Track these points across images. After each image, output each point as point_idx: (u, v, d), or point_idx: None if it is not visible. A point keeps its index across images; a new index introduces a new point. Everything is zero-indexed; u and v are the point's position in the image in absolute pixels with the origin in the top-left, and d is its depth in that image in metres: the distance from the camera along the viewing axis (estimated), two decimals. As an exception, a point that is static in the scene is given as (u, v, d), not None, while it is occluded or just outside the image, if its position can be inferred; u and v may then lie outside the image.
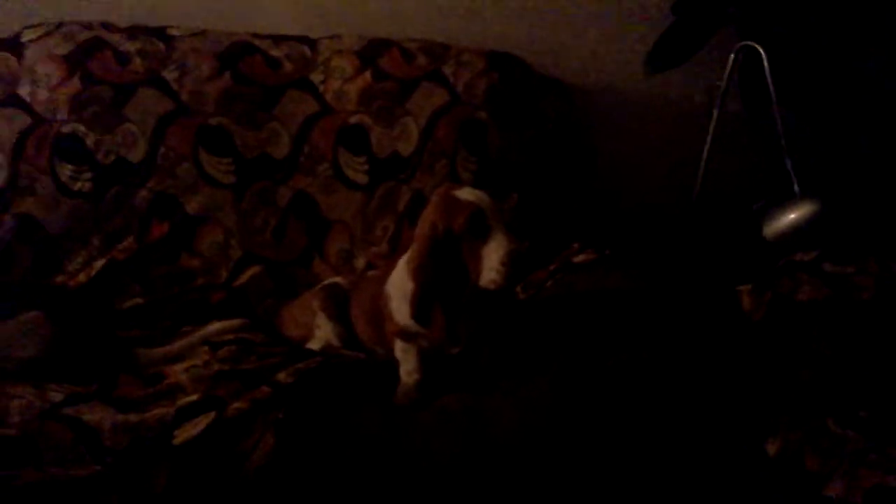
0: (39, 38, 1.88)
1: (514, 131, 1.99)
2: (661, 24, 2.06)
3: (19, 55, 1.86)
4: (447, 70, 1.98)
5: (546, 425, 1.28)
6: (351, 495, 1.24)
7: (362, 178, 1.94)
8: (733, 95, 2.06)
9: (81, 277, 1.80)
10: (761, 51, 1.92)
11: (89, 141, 1.84)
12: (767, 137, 1.97)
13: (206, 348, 1.56)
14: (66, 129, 1.84)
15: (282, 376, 1.39)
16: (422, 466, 1.25)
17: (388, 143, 1.95)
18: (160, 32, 1.94)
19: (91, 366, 1.45)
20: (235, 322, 1.71)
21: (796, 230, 1.83)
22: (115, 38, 1.90)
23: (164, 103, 1.87)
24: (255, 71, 1.94)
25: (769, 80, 1.90)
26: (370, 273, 1.80)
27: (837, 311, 1.50)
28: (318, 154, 1.94)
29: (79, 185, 1.84)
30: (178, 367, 1.47)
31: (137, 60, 1.88)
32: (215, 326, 1.68)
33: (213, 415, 1.26)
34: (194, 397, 1.32)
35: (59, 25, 1.90)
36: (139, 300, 1.80)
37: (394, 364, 1.47)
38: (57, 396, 1.32)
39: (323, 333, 1.66)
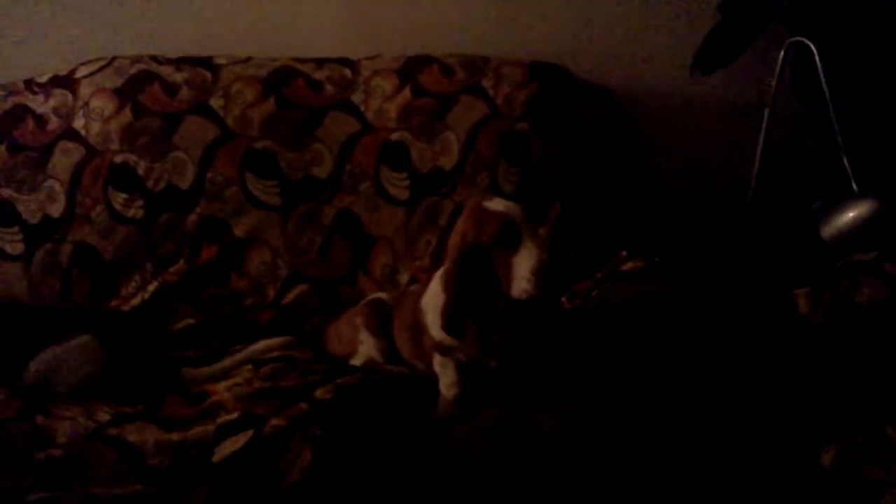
0: (92, 73, 1.97)
1: (556, 140, 1.97)
2: (706, 26, 2.01)
3: (74, 90, 1.95)
4: (486, 83, 1.98)
5: (587, 436, 1.25)
6: (388, 511, 1.23)
7: (404, 194, 1.96)
8: (785, 93, 1.99)
9: (135, 301, 1.86)
10: (812, 46, 1.85)
11: (140, 169, 1.91)
12: (824, 135, 1.89)
13: (249, 366, 1.59)
14: (118, 158, 1.91)
15: (320, 392, 1.40)
16: (459, 480, 1.23)
17: (429, 158, 1.96)
18: (206, 62, 2.00)
19: (139, 386, 1.49)
20: (280, 340, 1.73)
21: (855, 229, 1.74)
22: (163, 69, 1.97)
23: (210, 130, 1.93)
24: (298, 94, 1.98)
25: (821, 76, 1.83)
26: (412, 287, 1.80)
27: (898, 313, 1.42)
28: (360, 172, 1.96)
29: (132, 212, 1.90)
30: (222, 385, 1.49)
31: (184, 90, 1.95)
32: (261, 345, 1.71)
33: (251, 432, 1.28)
34: (234, 415, 1.33)
35: (111, 60, 1.98)
36: (191, 321, 1.85)
37: (434, 379, 1.47)
38: (104, 417, 1.35)
39: (366, 349, 1.67)
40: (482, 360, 1.42)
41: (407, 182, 1.95)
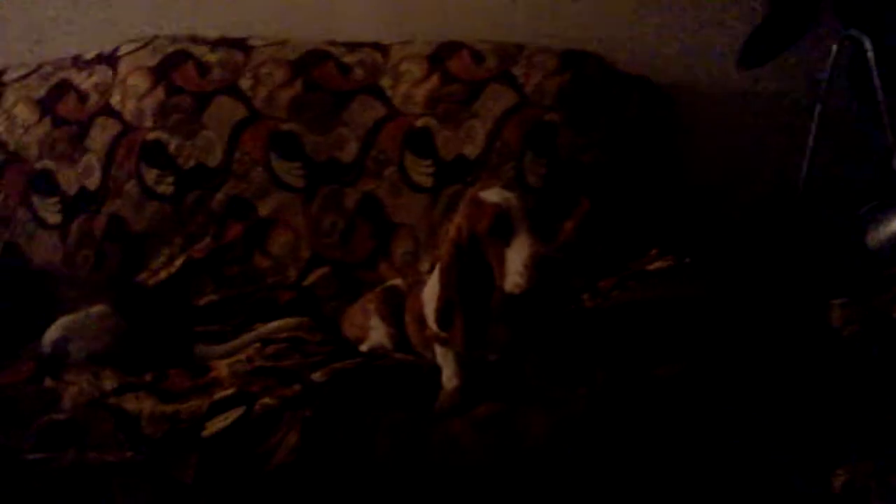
0: (132, 51, 2.03)
1: (587, 132, 1.92)
2: (754, 16, 1.92)
3: (114, 68, 2.02)
4: (517, 71, 1.94)
5: (576, 436, 1.21)
6: (371, 499, 1.23)
7: (428, 181, 1.94)
8: (838, 89, 1.88)
9: (162, 275, 1.91)
10: (866, 41, 1.74)
11: (172, 147, 1.95)
12: (876, 135, 1.79)
13: (257, 345, 1.61)
14: (151, 136, 1.96)
15: (317, 375, 1.40)
16: (445, 473, 1.22)
17: (453, 145, 1.93)
18: (241, 43, 2.03)
19: (151, 359, 1.53)
20: (293, 321, 1.75)
21: (899, 239, 1.64)
22: (199, 49, 2.01)
23: (238, 110, 1.96)
24: (326, 77, 1.98)
25: (874, 72, 1.73)
26: (427, 276, 1.79)
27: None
28: (384, 157, 1.95)
29: (162, 188, 1.95)
30: (225, 362, 1.51)
31: (216, 70, 1.98)
32: (273, 325, 1.72)
33: (241, 409, 1.30)
34: (229, 391, 1.35)
35: (152, 39, 2.04)
36: (214, 297, 1.89)
37: (438, 368, 1.45)
38: (110, 385, 1.39)
39: (376, 335, 1.66)
40: (476, 353, 1.39)
41: (431, 169, 1.94)
